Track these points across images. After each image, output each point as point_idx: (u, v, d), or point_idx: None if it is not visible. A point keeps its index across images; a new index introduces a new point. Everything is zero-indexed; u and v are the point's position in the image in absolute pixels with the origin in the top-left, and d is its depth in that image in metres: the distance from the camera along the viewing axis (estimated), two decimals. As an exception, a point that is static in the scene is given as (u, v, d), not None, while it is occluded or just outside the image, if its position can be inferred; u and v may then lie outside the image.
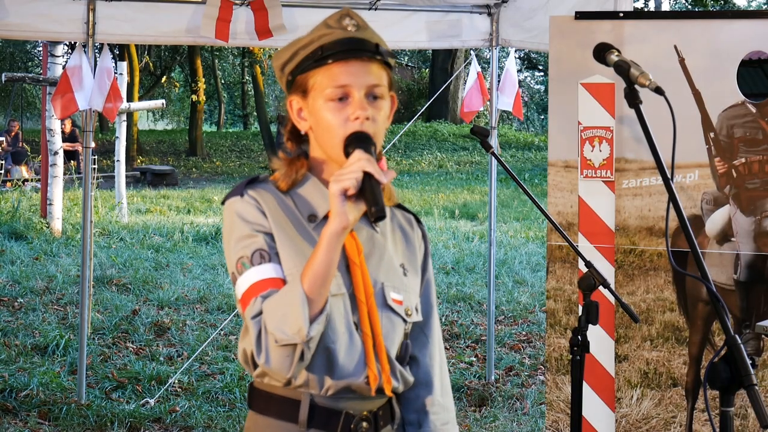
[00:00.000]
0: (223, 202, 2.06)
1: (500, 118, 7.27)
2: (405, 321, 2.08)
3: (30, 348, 6.98)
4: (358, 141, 1.94)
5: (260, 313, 1.92)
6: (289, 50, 2.06)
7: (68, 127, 19.88)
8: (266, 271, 1.96)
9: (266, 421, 2.02)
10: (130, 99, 20.16)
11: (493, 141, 5.95)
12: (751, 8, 31.24)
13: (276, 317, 1.89)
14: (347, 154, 1.94)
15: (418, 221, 2.23)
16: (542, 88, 37.20)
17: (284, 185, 2.05)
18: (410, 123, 8.87)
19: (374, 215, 1.86)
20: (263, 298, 1.93)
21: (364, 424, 2.02)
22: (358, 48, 1.99)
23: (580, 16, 4.02)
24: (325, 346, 1.96)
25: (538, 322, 8.10)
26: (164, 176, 21.03)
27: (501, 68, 6.65)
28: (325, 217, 2.00)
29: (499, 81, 6.56)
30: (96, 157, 18.71)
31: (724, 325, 1.96)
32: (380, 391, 2.02)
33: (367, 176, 1.87)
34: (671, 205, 2.10)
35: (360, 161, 1.88)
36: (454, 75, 24.07)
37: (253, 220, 1.99)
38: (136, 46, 24.97)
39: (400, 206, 2.20)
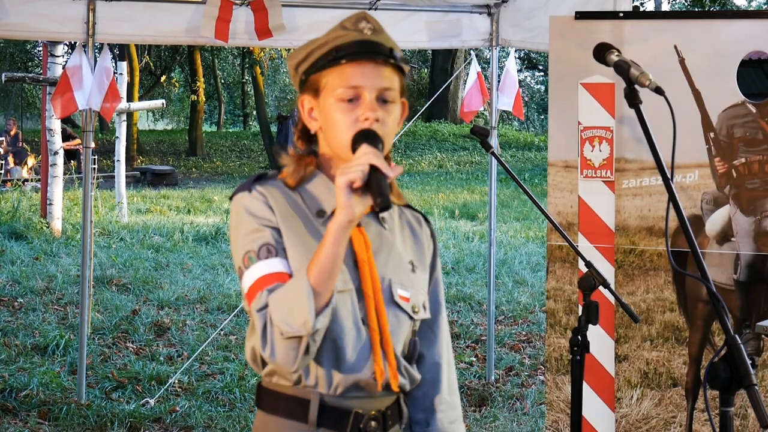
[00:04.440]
0: (231, 198, 2.07)
1: (500, 118, 7.27)
2: (412, 318, 2.09)
3: (30, 348, 6.98)
4: (365, 137, 1.95)
5: (266, 306, 1.92)
6: (304, 50, 2.07)
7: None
8: (273, 265, 1.96)
9: (276, 421, 2.03)
10: (130, 99, 20.16)
11: (493, 141, 5.95)
12: (751, 8, 31.24)
13: (282, 310, 1.89)
14: (355, 151, 1.94)
15: (426, 220, 2.25)
16: (542, 88, 37.19)
17: (292, 181, 2.06)
18: (410, 123, 8.87)
19: (379, 206, 1.86)
20: (269, 291, 1.93)
21: (373, 423, 2.03)
22: (372, 50, 2.00)
23: (580, 16, 4.02)
24: (332, 342, 1.96)
25: (538, 322, 8.10)
26: (164, 176, 21.03)
27: (501, 68, 6.65)
28: (333, 213, 2.00)
29: (499, 81, 6.56)
30: (96, 157, 18.71)
31: (724, 325, 1.96)
32: (387, 387, 2.03)
33: (374, 169, 1.87)
34: (671, 205, 2.10)
35: (367, 155, 1.88)
36: (454, 75, 24.07)
37: (260, 215, 2.00)
38: (136, 46, 24.95)
39: (408, 206, 2.22)
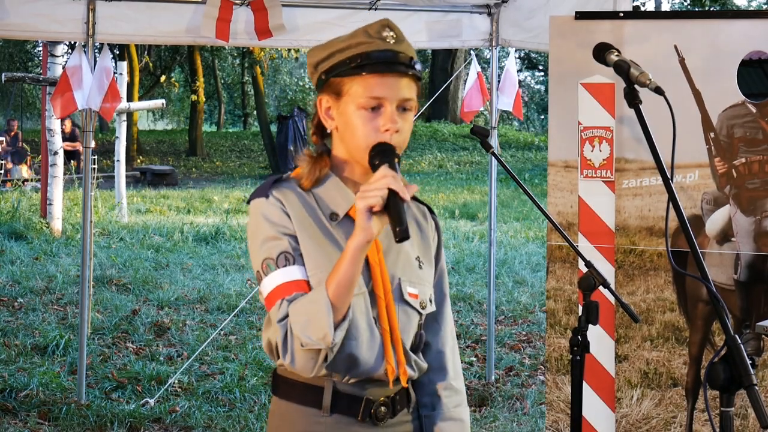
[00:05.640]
0: (248, 202, 2.15)
1: (500, 118, 7.28)
2: (420, 313, 2.20)
3: (30, 348, 6.98)
4: (383, 154, 2.04)
5: (286, 316, 2.03)
6: (325, 50, 2.14)
7: (68, 127, 19.90)
8: (291, 273, 2.06)
9: (290, 407, 2.14)
10: (130, 99, 20.15)
11: (493, 141, 5.95)
12: (751, 8, 31.23)
13: (301, 322, 2.00)
14: (373, 165, 2.03)
15: (431, 212, 2.33)
16: (542, 88, 37.19)
17: (307, 183, 2.14)
18: (410, 123, 8.85)
19: (398, 235, 1.93)
20: (289, 301, 2.04)
21: (383, 408, 2.14)
22: (395, 62, 2.07)
23: (580, 16, 4.01)
24: (348, 344, 2.06)
25: (538, 322, 8.10)
26: (164, 176, 21.04)
27: (501, 68, 6.65)
28: (346, 216, 2.12)
29: (499, 81, 6.56)
30: (96, 157, 18.71)
31: (724, 325, 1.96)
32: (397, 381, 2.14)
33: (392, 193, 1.94)
34: (671, 205, 2.10)
35: (385, 178, 1.96)
36: (454, 75, 24.08)
37: (278, 222, 2.09)
38: (136, 46, 24.94)
39: (413, 198, 2.27)
